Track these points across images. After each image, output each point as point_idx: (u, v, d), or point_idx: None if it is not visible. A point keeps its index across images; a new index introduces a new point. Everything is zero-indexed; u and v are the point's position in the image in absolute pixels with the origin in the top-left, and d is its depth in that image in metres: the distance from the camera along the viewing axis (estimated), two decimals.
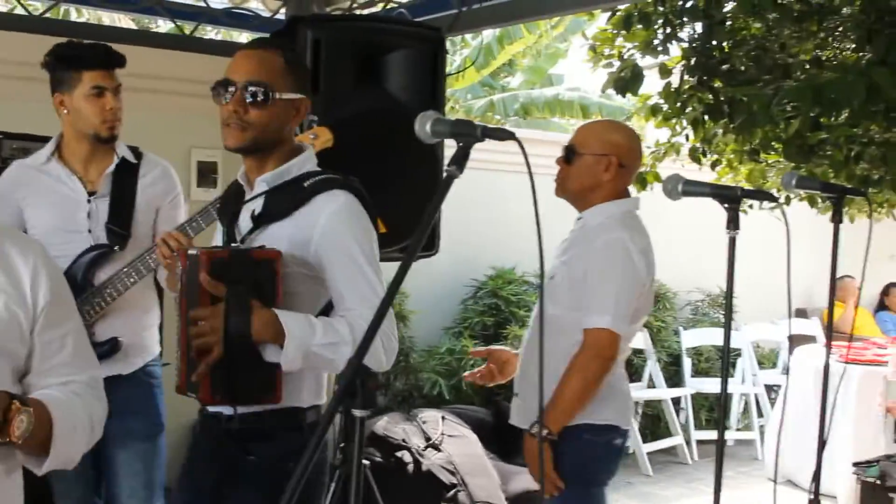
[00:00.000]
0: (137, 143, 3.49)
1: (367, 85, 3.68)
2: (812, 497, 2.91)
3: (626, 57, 5.28)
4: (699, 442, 7.69)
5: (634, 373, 7.60)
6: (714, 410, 8.14)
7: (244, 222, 2.54)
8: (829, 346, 3.02)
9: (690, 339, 8.18)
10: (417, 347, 6.94)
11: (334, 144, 2.82)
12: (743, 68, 4.88)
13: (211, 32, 7.61)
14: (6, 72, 4.38)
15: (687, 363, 8.04)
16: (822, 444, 2.93)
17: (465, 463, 5.45)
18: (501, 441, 6.00)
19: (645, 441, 7.33)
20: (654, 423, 7.82)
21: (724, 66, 4.95)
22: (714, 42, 4.97)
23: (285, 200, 2.48)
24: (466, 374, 3.67)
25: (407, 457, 5.33)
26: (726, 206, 2.52)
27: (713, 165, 5.94)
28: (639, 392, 7.45)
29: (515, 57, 12.37)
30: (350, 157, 2.68)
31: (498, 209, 7.43)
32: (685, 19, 5.01)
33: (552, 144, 4.52)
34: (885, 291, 9.88)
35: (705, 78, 5.03)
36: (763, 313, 8.43)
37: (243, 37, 7.31)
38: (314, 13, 4.85)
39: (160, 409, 3.50)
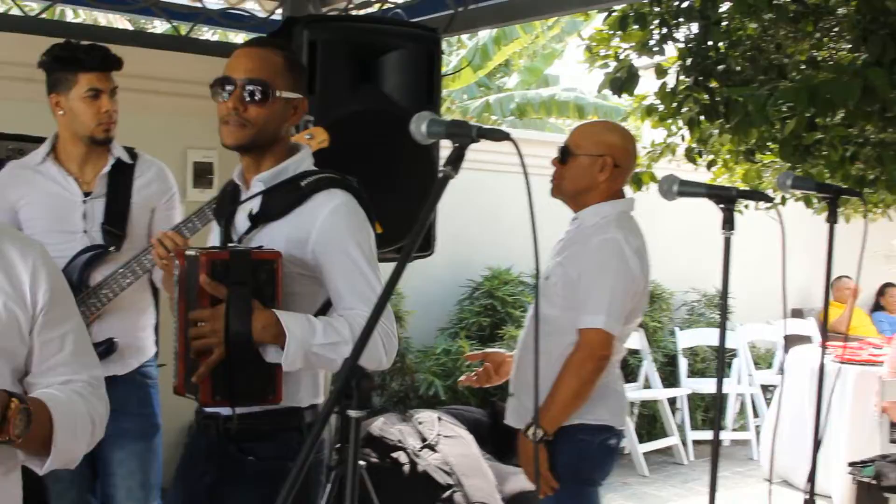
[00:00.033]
0: (133, 143, 3.49)
1: (362, 85, 3.68)
2: (807, 497, 2.91)
3: (622, 57, 5.29)
4: (695, 442, 7.70)
5: (630, 373, 7.61)
6: (710, 411, 8.15)
7: (240, 222, 2.54)
8: (824, 346, 3.03)
9: (686, 339, 8.19)
10: (413, 348, 6.94)
11: (330, 145, 2.82)
12: (739, 69, 4.89)
13: (207, 33, 7.61)
14: (1, 72, 4.38)
15: (683, 363, 8.04)
16: (817, 444, 2.93)
17: (461, 463, 5.45)
18: (497, 442, 6.00)
19: (641, 441, 7.34)
20: (650, 424, 7.83)
21: (720, 67, 4.96)
22: (710, 42, 4.98)
23: (282, 200, 2.48)
24: (462, 378, 3.68)
25: (403, 457, 5.33)
26: (722, 206, 2.53)
27: (709, 166, 5.94)
28: (635, 392, 7.45)
29: (512, 57, 12.36)
30: (346, 158, 2.68)
31: (494, 210, 7.43)
32: (681, 20, 5.02)
33: (548, 145, 4.52)
34: (881, 292, 9.90)
35: (701, 78, 5.03)
36: (759, 313, 8.43)
37: (239, 37, 7.32)
38: (310, 14, 4.85)
39: (156, 409, 3.50)
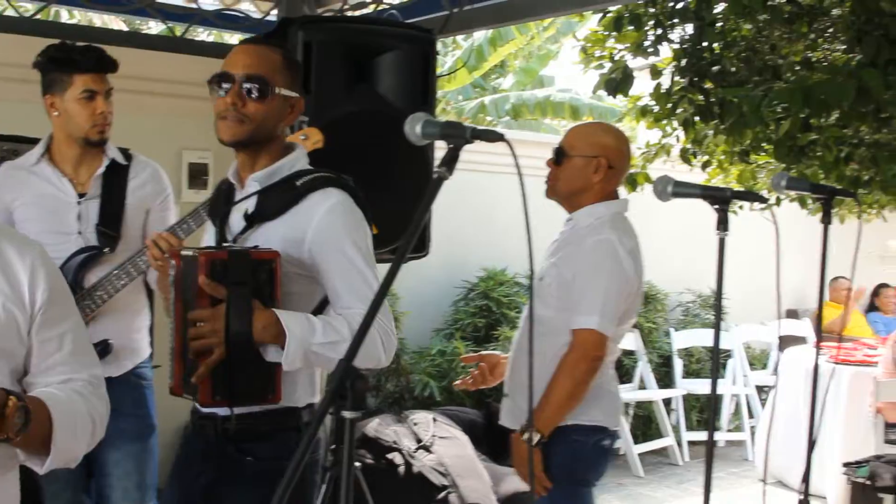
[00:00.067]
0: (128, 144, 3.48)
1: (358, 86, 3.68)
2: (802, 497, 2.92)
3: (616, 58, 5.30)
4: (690, 443, 7.70)
5: (625, 374, 7.61)
6: (705, 411, 8.15)
7: (235, 222, 2.54)
8: (818, 347, 3.03)
9: (681, 340, 8.19)
10: (408, 349, 6.94)
11: (325, 145, 2.82)
12: (733, 69, 4.90)
13: (202, 34, 7.60)
14: None
15: (678, 364, 8.05)
16: (811, 444, 2.94)
17: (457, 464, 5.45)
18: (492, 442, 6.01)
19: (636, 442, 7.34)
20: (645, 425, 7.83)
21: (715, 68, 4.97)
22: (705, 43, 4.99)
23: (278, 199, 2.48)
24: (457, 382, 3.68)
25: (398, 458, 5.33)
26: (716, 207, 2.53)
27: (704, 166, 5.95)
28: (630, 393, 7.46)
29: (507, 58, 12.36)
30: (340, 158, 2.68)
31: (489, 210, 7.43)
32: (676, 20, 5.02)
33: (543, 146, 4.52)
34: (875, 292, 9.92)
35: (696, 79, 5.04)
36: (754, 314, 8.45)
37: (234, 38, 7.31)
38: (305, 14, 4.85)
39: (151, 410, 3.50)
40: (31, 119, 3.58)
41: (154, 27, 10.19)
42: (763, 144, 5.24)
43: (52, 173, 3.32)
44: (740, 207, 5.54)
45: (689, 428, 7.86)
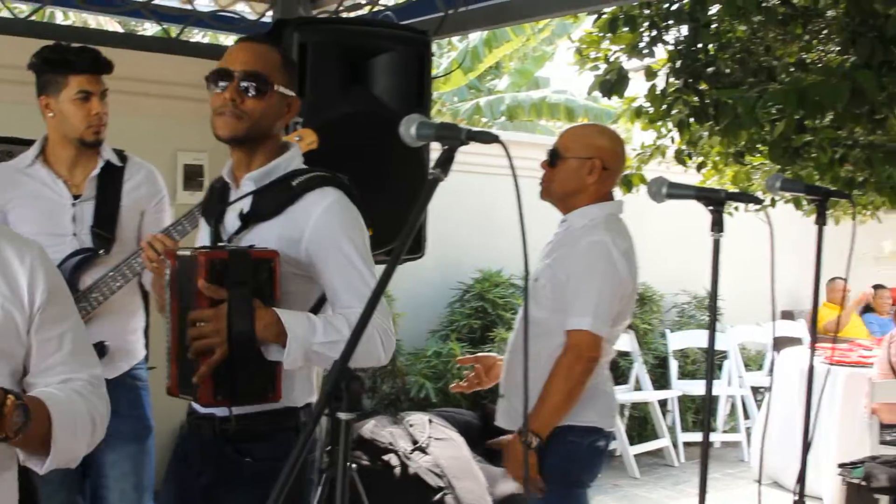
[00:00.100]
0: (123, 146, 3.48)
1: (353, 87, 3.68)
2: (797, 498, 2.91)
3: (611, 60, 5.31)
4: (686, 444, 7.71)
5: (621, 375, 7.62)
6: (701, 412, 8.16)
7: (230, 221, 2.54)
8: (813, 348, 3.03)
9: (677, 341, 8.20)
10: (404, 350, 6.94)
11: (320, 146, 2.82)
12: (728, 71, 4.91)
13: (197, 35, 7.60)
14: None
15: (673, 365, 8.05)
16: (807, 445, 2.94)
17: (452, 466, 5.45)
18: None
19: (632, 443, 7.35)
20: (640, 426, 7.84)
21: (710, 69, 4.98)
22: (699, 45, 5.00)
23: (274, 200, 2.47)
24: (453, 385, 3.69)
25: (394, 460, 5.32)
26: (711, 208, 2.53)
27: (699, 168, 5.97)
28: (625, 394, 7.46)
29: (502, 60, 12.37)
30: (336, 160, 2.68)
31: (484, 212, 7.43)
32: (670, 22, 5.03)
33: (538, 147, 4.53)
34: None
35: (691, 80, 5.05)
36: (749, 315, 8.45)
37: (230, 40, 7.30)
38: (300, 16, 4.85)
39: (147, 411, 3.49)
40: (25, 121, 3.58)
41: (149, 28, 10.18)
42: (758, 146, 5.25)
43: (47, 175, 3.31)
44: (735, 209, 5.55)
45: (685, 429, 7.87)
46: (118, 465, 3.37)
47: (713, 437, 7.82)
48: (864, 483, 5.17)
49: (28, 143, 3.42)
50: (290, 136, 2.79)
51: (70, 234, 3.29)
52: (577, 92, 11.49)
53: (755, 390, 8.30)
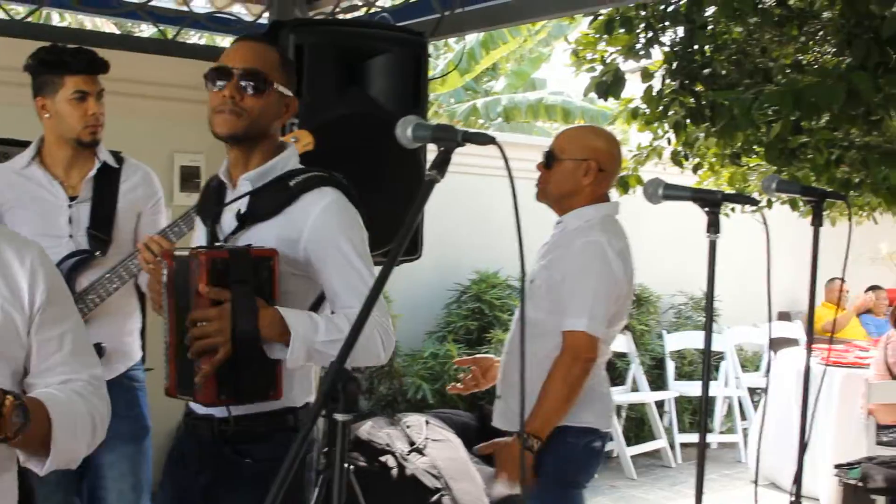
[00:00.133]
0: (120, 147, 3.48)
1: (349, 89, 3.68)
2: (794, 499, 2.92)
3: (608, 61, 5.32)
4: (683, 445, 7.72)
5: (618, 376, 7.62)
6: (697, 414, 8.15)
7: (227, 222, 2.53)
8: (809, 349, 3.04)
9: (674, 342, 8.21)
10: (401, 352, 6.94)
11: (316, 148, 2.82)
12: (724, 72, 4.91)
13: (194, 37, 7.60)
14: None
15: (670, 366, 8.06)
16: (803, 446, 2.94)
17: (450, 467, 5.45)
18: None
19: (629, 444, 7.35)
20: (637, 427, 7.84)
21: (706, 70, 4.98)
22: (695, 46, 5.00)
23: (272, 200, 2.47)
24: (450, 386, 3.69)
25: (391, 461, 5.32)
26: (707, 209, 2.54)
27: (695, 169, 5.97)
28: (622, 395, 7.46)
29: (499, 61, 12.37)
30: (332, 161, 2.68)
31: (481, 213, 7.43)
32: (667, 23, 5.04)
33: (534, 148, 4.53)
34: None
35: (687, 82, 5.06)
36: (746, 316, 8.46)
37: (226, 41, 7.29)
38: (297, 18, 4.85)
39: (145, 411, 3.49)
40: (21, 122, 3.57)
41: (146, 30, 10.16)
42: (754, 147, 5.26)
43: (43, 176, 3.31)
44: (731, 210, 5.56)
45: (682, 430, 7.88)
46: (116, 465, 3.37)
47: (710, 438, 7.83)
48: (860, 484, 5.18)
49: (24, 144, 3.42)
50: (286, 137, 2.79)
51: (66, 236, 3.29)
52: (573, 93, 11.49)
53: (752, 391, 8.31)
